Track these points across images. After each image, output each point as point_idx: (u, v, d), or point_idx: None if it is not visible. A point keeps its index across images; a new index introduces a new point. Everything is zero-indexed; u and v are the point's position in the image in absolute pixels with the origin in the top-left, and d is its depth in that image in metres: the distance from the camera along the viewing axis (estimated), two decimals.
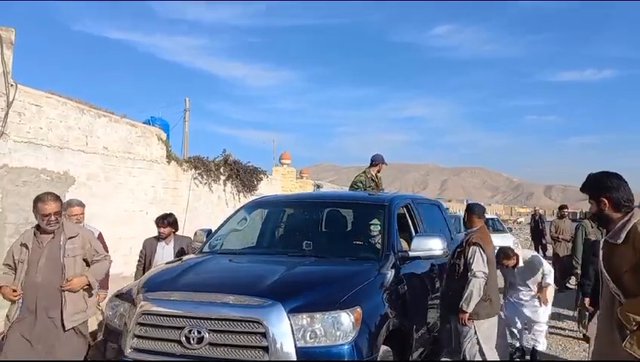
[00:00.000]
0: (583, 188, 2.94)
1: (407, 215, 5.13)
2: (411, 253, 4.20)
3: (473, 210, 4.73)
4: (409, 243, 4.41)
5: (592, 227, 6.87)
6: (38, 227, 3.82)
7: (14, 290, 3.68)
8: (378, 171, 7.51)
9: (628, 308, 2.61)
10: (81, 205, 5.00)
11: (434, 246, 4.18)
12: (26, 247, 3.77)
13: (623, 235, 2.68)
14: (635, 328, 2.56)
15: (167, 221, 5.63)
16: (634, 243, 2.62)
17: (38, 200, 3.76)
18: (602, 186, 2.84)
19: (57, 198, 3.85)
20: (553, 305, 8.83)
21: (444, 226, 5.95)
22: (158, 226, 5.59)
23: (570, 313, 7.94)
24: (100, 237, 4.99)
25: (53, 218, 3.74)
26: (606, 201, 2.80)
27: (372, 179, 7.39)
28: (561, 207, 11.45)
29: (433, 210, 5.95)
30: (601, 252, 2.83)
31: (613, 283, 2.72)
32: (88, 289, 3.90)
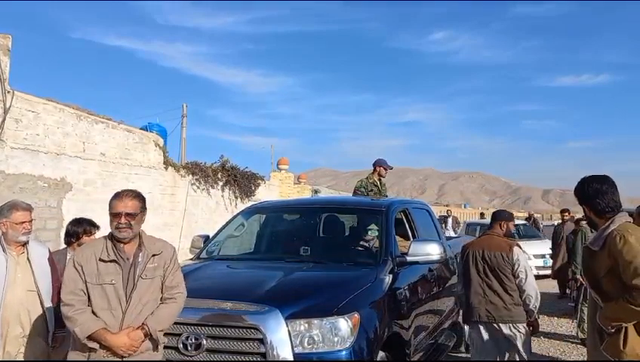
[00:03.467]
0: (574, 194, 3.02)
1: (405, 220, 5.14)
2: (409, 258, 4.20)
3: (492, 216, 4.78)
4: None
5: (592, 232, 6.87)
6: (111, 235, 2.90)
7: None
8: (379, 175, 7.47)
9: (605, 312, 2.68)
10: (29, 209, 3.56)
11: (431, 251, 4.18)
12: (116, 263, 2.82)
13: (601, 242, 2.73)
14: (612, 331, 2.62)
15: (98, 227, 4.18)
16: (609, 249, 2.67)
17: (113, 197, 2.88)
18: (581, 194, 2.92)
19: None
20: (551, 310, 8.88)
21: (434, 231, 5.95)
22: (89, 234, 4.09)
23: (569, 319, 7.94)
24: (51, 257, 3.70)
25: (123, 220, 2.85)
26: (585, 208, 2.89)
27: (374, 184, 7.37)
28: (563, 211, 11.16)
29: (425, 214, 5.95)
30: (582, 258, 2.92)
31: (591, 288, 2.80)
32: None
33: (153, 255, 2.91)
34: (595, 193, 2.85)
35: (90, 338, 2.68)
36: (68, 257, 3.78)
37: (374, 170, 7.50)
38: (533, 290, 4.24)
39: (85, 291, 2.76)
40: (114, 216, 2.84)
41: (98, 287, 2.76)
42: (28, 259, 3.50)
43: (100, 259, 2.80)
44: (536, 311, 4.27)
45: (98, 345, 2.70)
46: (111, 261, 2.81)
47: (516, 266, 4.26)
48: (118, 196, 2.89)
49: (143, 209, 2.95)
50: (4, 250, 3.41)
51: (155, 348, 2.86)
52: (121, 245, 2.86)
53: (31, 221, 3.53)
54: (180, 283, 3.00)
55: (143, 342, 2.78)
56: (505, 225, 4.53)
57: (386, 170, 7.47)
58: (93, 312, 2.74)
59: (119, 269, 2.81)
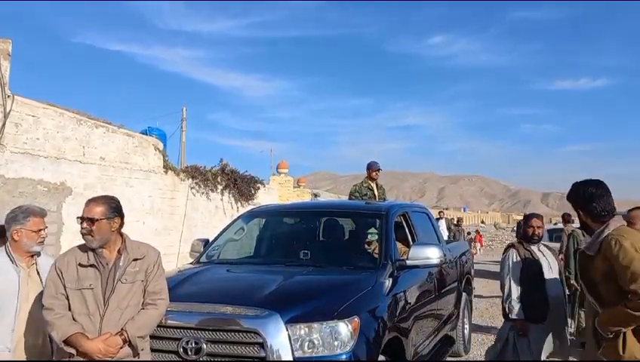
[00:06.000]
0: (567, 198, 3.00)
1: (404, 224, 5.14)
2: (409, 262, 4.21)
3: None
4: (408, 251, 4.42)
5: (584, 236, 6.68)
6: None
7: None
8: (372, 178, 7.48)
9: (603, 317, 2.66)
10: (44, 215, 3.32)
11: (431, 255, 4.18)
12: (95, 268, 2.81)
13: (596, 246, 2.71)
14: (611, 336, 2.61)
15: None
16: (605, 253, 2.65)
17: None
18: (577, 198, 2.90)
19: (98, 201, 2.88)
20: None
21: (434, 234, 5.95)
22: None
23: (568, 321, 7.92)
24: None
25: (84, 225, 2.80)
26: (581, 213, 2.87)
27: (368, 188, 7.37)
28: (564, 216, 10.90)
29: (424, 218, 5.95)
30: (577, 262, 2.89)
31: (588, 293, 2.78)
32: None
33: (135, 259, 2.87)
34: (591, 197, 2.82)
35: (67, 342, 2.66)
36: None
37: (367, 174, 7.54)
38: (503, 288, 4.36)
39: (66, 295, 2.74)
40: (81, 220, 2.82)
41: (77, 292, 2.74)
42: (37, 271, 3.20)
43: (80, 264, 2.78)
44: (511, 311, 4.23)
45: (75, 351, 2.67)
46: (90, 265, 2.79)
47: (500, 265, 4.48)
48: (87, 202, 2.87)
49: (112, 215, 2.85)
50: (13, 262, 3.10)
51: (136, 354, 2.81)
52: (101, 250, 2.83)
53: (45, 228, 3.26)
54: (162, 289, 2.96)
55: (121, 348, 2.73)
56: (522, 228, 4.61)
57: (375, 171, 7.47)
58: (73, 318, 2.72)
59: (98, 274, 2.78)
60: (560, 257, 10.09)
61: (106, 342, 2.68)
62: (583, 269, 2.86)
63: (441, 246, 4.68)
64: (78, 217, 2.85)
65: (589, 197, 2.83)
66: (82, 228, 2.80)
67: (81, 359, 2.68)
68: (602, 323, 2.66)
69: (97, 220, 2.79)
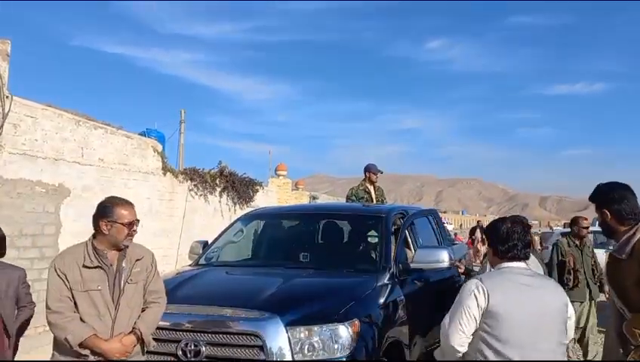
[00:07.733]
0: (591, 199, 2.90)
1: (405, 226, 5.11)
2: (413, 265, 4.18)
3: None
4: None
5: (569, 246, 6.18)
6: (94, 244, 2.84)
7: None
8: (371, 181, 7.43)
9: (633, 323, 2.56)
10: None
11: (436, 258, 4.15)
12: (101, 269, 2.79)
13: (628, 249, 2.61)
14: None
15: None
16: (639, 257, 2.55)
17: (113, 204, 2.85)
18: (605, 198, 2.79)
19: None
20: None
21: (438, 236, 5.91)
22: None
23: None
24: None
25: (135, 227, 2.89)
26: (608, 213, 2.74)
27: (365, 191, 7.33)
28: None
29: (426, 220, 5.92)
30: (606, 266, 2.79)
31: (617, 297, 2.67)
32: None
33: (137, 259, 2.91)
34: (622, 198, 2.72)
35: (81, 345, 2.67)
36: None
37: (365, 176, 7.49)
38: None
39: (71, 298, 2.73)
40: (126, 225, 2.81)
41: (84, 294, 2.73)
42: None
43: (84, 266, 2.75)
44: None
45: (89, 352, 2.69)
46: (95, 267, 2.77)
47: None
48: (122, 205, 2.87)
49: None
50: None
51: (143, 351, 2.91)
52: (104, 251, 2.82)
53: None
54: (162, 287, 3.05)
55: (134, 346, 2.82)
56: None
57: (375, 174, 7.42)
58: (81, 319, 2.73)
59: (104, 275, 2.78)
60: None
61: (122, 341, 2.74)
62: (611, 273, 2.75)
63: (448, 249, 4.63)
64: (127, 222, 2.82)
65: (619, 198, 2.73)
66: (134, 230, 2.87)
67: (97, 359, 2.72)
68: (632, 328, 2.55)
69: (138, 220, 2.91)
